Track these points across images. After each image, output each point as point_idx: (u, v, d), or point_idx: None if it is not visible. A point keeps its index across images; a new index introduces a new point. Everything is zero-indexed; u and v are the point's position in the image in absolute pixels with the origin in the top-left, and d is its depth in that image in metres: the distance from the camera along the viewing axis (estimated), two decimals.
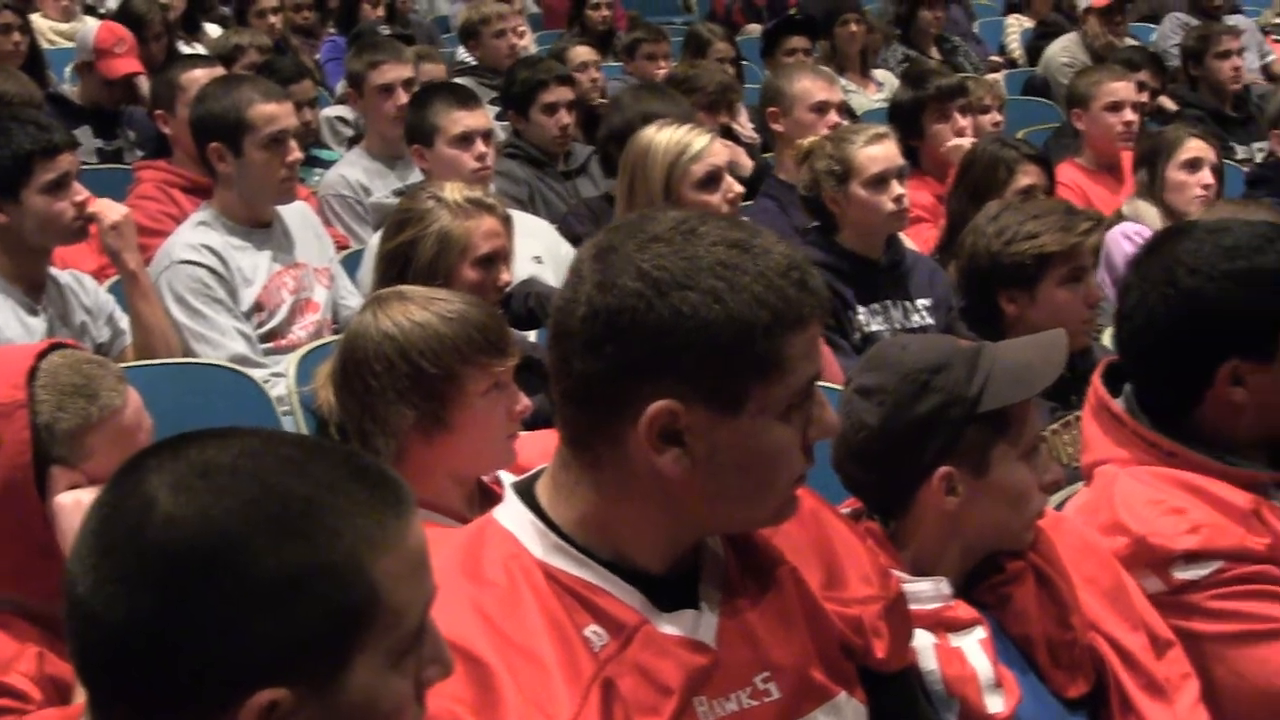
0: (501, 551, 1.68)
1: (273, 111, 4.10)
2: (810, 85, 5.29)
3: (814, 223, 4.21)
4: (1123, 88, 5.68)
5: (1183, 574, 2.21)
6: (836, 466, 2.21)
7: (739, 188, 4.07)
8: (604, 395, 1.62)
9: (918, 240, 4.77)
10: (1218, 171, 4.94)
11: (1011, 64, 9.35)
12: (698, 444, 1.62)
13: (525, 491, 1.74)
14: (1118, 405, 2.39)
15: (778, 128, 5.31)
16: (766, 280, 1.60)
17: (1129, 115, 5.61)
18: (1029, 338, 2.32)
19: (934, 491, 2.13)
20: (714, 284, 1.59)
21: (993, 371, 2.14)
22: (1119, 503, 2.28)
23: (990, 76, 7.72)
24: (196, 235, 4.11)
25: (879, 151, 4.11)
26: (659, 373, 1.59)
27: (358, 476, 1.31)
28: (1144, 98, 6.32)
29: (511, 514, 1.72)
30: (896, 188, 4.09)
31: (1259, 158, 5.93)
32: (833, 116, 5.19)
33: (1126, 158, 5.55)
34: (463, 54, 7.78)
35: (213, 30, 8.30)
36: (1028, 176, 4.43)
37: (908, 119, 5.48)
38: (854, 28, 7.68)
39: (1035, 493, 2.17)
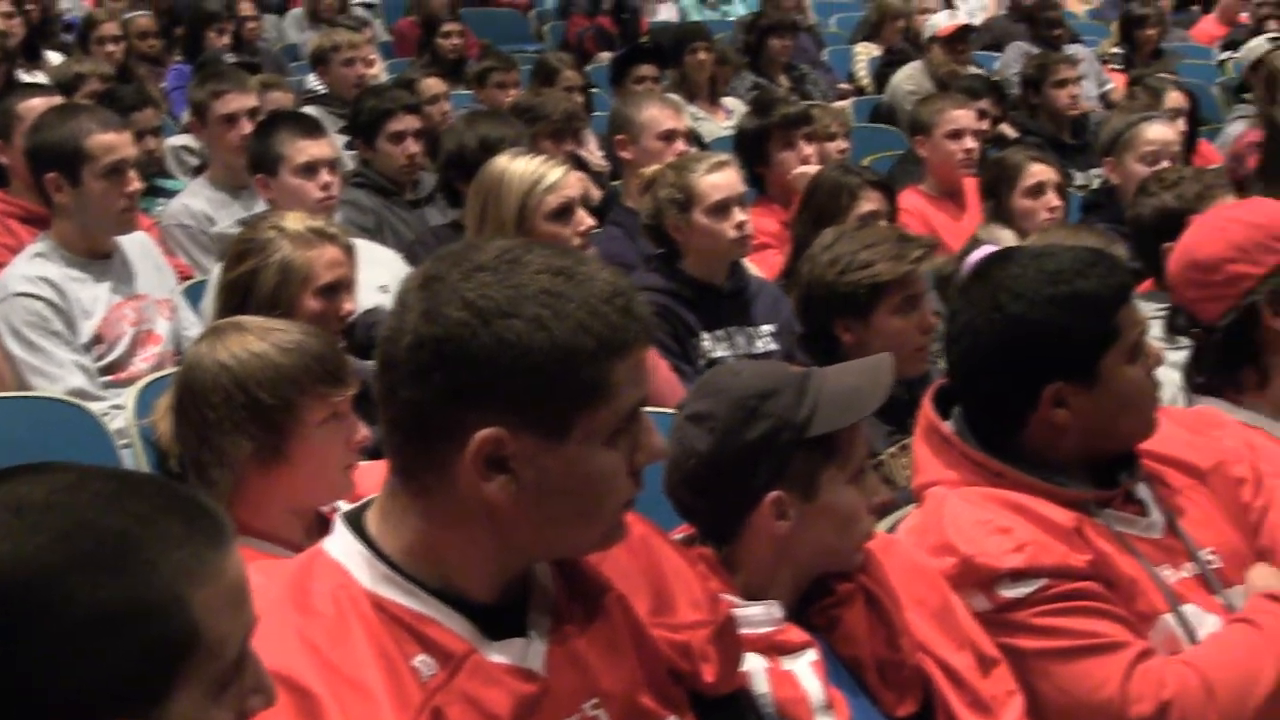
0: (329, 582, 1.68)
1: (111, 141, 4.05)
2: (657, 113, 5.34)
3: (658, 250, 4.25)
4: (963, 115, 5.78)
5: (1008, 592, 2.26)
6: (669, 492, 2.23)
7: (590, 220, 4.09)
8: (430, 424, 1.63)
9: (764, 266, 4.82)
10: (1062, 191, 5.05)
11: (860, 92, 9.48)
12: (524, 471, 1.63)
13: (355, 521, 1.73)
14: (947, 428, 2.44)
15: (625, 155, 5.35)
16: (591, 307, 1.62)
17: (969, 143, 5.71)
18: (856, 362, 2.36)
19: (764, 516, 2.15)
20: (538, 311, 1.60)
21: (821, 397, 2.17)
22: (948, 523, 2.33)
23: (837, 104, 7.84)
24: (33, 267, 4.05)
25: (720, 179, 4.16)
26: (485, 401, 1.60)
27: (174, 509, 1.31)
28: (985, 125, 6.45)
29: (340, 544, 1.72)
30: (738, 215, 4.13)
31: (1096, 184, 6.06)
32: (679, 144, 5.23)
33: (968, 184, 5.66)
34: (312, 82, 7.74)
35: (54, 58, 8.18)
36: (869, 203, 4.50)
37: (754, 146, 5.54)
38: (702, 56, 7.74)
39: (864, 515, 2.21)
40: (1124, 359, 2.35)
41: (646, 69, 7.19)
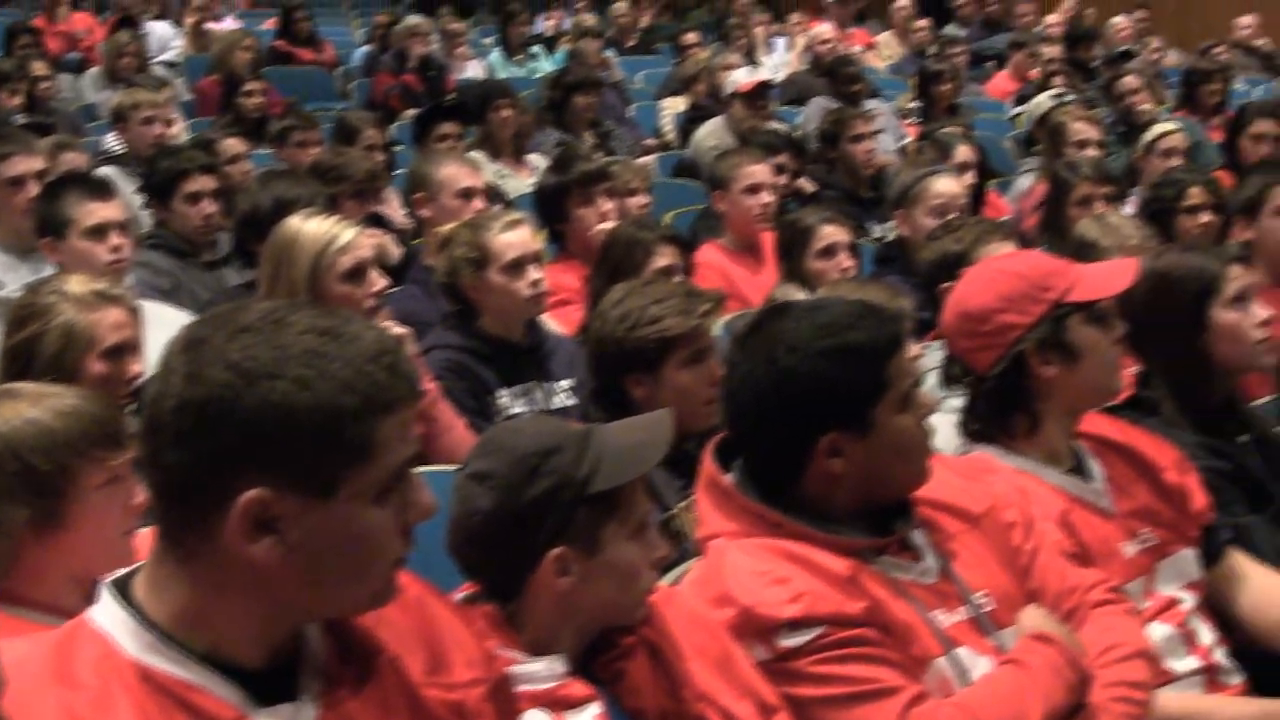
0: (93, 652, 1.66)
1: None
2: (455, 171, 5.35)
3: (455, 307, 4.26)
4: (760, 170, 5.88)
5: (787, 641, 2.30)
6: (452, 551, 2.24)
7: (384, 281, 4.09)
8: (196, 487, 1.62)
9: (564, 321, 4.85)
10: (854, 250, 5.14)
11: (665, 147, 9.58)
12: (291, 531, 1.63)
13: (122, 588, 1.72)
14: (727, 480, 2.48)
15: (425, 213, 5.35)
16: (356, 366, 1.63)
17: (766, 197, 5.80)
18: (636, 418, 2.39)
19: (547, 573, 2.17)
20: (302, 372, 1.61)
21: (602, 453, 2.20)
22: (728, 575, 2.36)
23: (640, 160, 7.91)
24: None
25: (515, 238, 4.19)
26: (249, 462, 1.60)
27: None
28: (782, 180, 6.56)
29: (106, 612, 1.70)
30: (533, 273, 4.17)
31: (892, 236, 6.19)
32: (478, 202, 5.25)
33: (766, 238, 5.74)
34: (110, 142, 7.62)
35: None
36: (665, 258, 4.55)
37: (553, 203, 5.57)
38: (506, 113, 7.77)
39: (645, 569, 2.24)
40: (896, 408, 2.41)
41: (449, 127, 7.19)
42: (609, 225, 5.36)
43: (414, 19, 11.54)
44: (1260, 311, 3.33)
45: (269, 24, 12.88)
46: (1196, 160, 7.80)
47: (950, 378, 2.95)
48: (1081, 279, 2.87)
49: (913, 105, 9.94)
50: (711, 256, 5.72)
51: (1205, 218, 5.27)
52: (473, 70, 11.23)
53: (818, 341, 2.39)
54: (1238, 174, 6.17)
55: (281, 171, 5.72)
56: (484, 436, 2.36)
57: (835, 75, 9.64)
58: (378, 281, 3.99)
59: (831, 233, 5.05)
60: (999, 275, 2.89)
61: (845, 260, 5.03)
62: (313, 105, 9.10)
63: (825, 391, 2.38)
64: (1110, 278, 2.91)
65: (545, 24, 14.04)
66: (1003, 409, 2.85)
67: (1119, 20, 13.17)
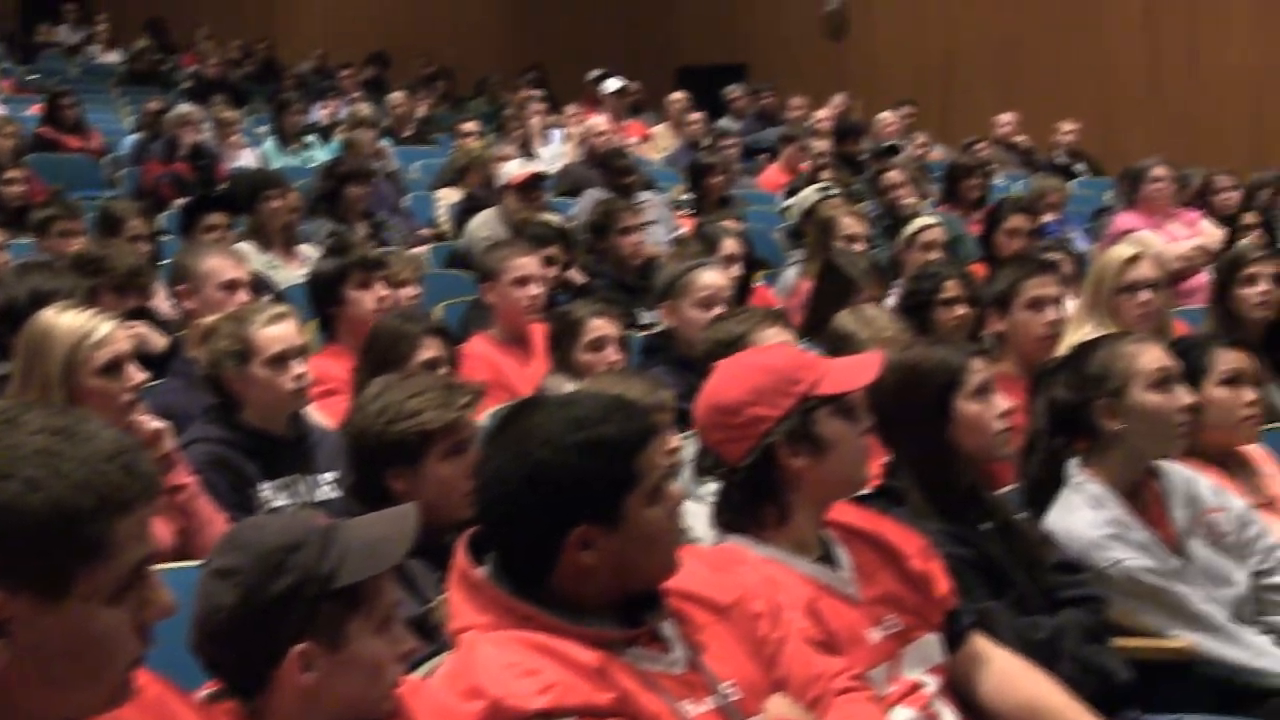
0: None
1: None
2: (219, 263, 5.31)
3: (217, 400, 4.21)
4: (529, 262, 5.92)
5: None
6: (195, 649, 2.21)
7: (141, 375, 4.02)
8: None
9: (331, 412, 4.82)
10: (623, 344, 5.20)
11: (440, 237, 9.59)
12: (23, 632, 1.61)
13: None
14: (479, 573, 2.49)
15: (189, 305, 5.29)
16: (91, 465, 1.62)
17: (535, 289, 5.85)
18: (381, 513, 2.39)
19: (291, 669, 2.16)
20: (34, 472, 1.60)
21: (347, 548, 2.20)
22: (478, 667, 2.37)
23: (413, 250, 7.92)
24: None
25: (279, 331, 4.17)
26: None
27: None
28: (553, 272, 6.62)
29: None
30: (297, 367, 4.15)
31: (659, 327, 6.26)
32: (242, 294, 5.21)
33: (536, 330, 5.77)
34: None
35: None
36: (429, 350, 4.55)
37: (327, 289, 5.53)
38: (276, 203, 7.73)
39: (391, 664, 2.24)
40: (646, 501, 2.45)
41: (217, 217, 7.13)
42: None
43: (185, 107, 11.43)
44: (1001, 403, 3.46)
45: (34, 110, 12.64)
46: (957, 254, 8.06)
47: (703, 469, 3.01)
48: (829, 373, 2.95)
49: (685, 197, 10.10)
50: (480, 348, 5.74)
51: (961, 310, 5.44)
52: (246, 159, 11.14)
53: (569, 435, 2.42)
54: (993, 267, 6.37)
55: (39, 263, 5.61)
56: (228, 533, 2.34)
57: (609, 167, 9.76)
58: (135, 376, 3.92)
59: (601, 325, 5.09)
60: (749, 369, 2.96)
61: (613, 353, 5.08)
62: (79, 194, 8.96)
63: (576, 485, 2.40)
64: (856, 372, 2.99)
65: (321, 113, 14.00)
66: (753, 500, 2.91)
67: (886, 116, 13.56)
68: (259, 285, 5.99)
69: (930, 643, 3.00)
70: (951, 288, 5.48)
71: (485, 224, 8.25)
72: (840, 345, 4.54)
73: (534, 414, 2.50)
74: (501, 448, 2.48)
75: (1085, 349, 3.78)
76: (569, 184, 10.46)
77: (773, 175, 11.89)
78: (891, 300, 6.09)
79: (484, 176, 9.86)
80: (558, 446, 2.42)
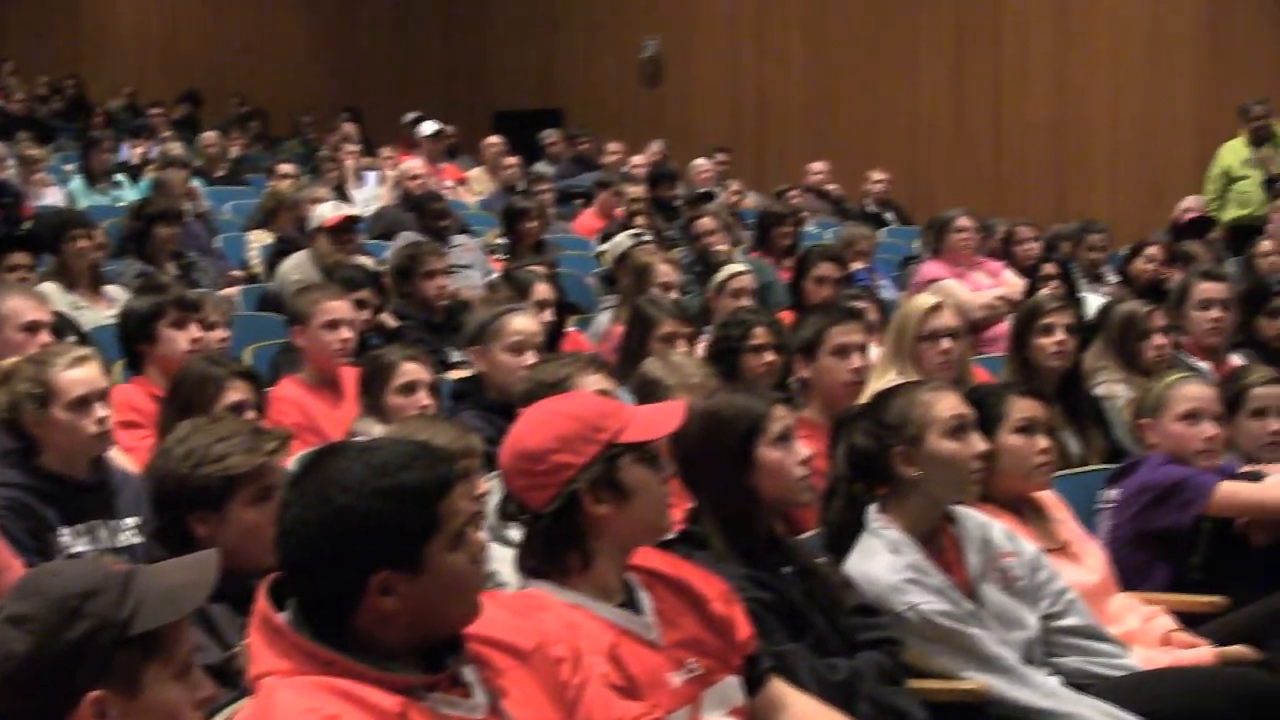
0: None
1: None
2: (20, 305, 5.22)
3: (15, 444, 4.14)
4: (340, 306, 5.90)
5: None
6: None
7: None
8: None
9: (136, 446, 4.77)
10: (434, 389, 5.19)
11: (252, 279, 9.50)
12: None
13: None
14: (280, 619, 2.48)
15: None
16: None
17: (346, 333, 5.82)
18: (182, 559, 2.39)
19: (85, 717, 2.14)
20: None
21: (145, 594, 2.19)
22: (277, 713, 2.36)
23: (223, 292, 7.83)
24: None
25: (82, 374, 4.12)
26: None
27: None
28: (364, 315, 6.59)
29: None
30: (100, 410, 4.10)
31: (469, 372, 6.27)
32: (44, 336, 5.12)
33: (347, 373, 5.74)
34: None
35: None
36: (236, 393, 4.51)
37: (142, 323, 5.45)
38: (83, 243, 7.59)
39: (189, 710, 2.23)
40: (448, 547, 2.46)
41: (20, 257, 7.00)
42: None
43: None
44: (802, 450, 3.53)
45: None
46: (768, 300, 8.19)
47: (507, 514, 3.03)
48: (633, 420, 2.99)
49: (500, 241, 10.12)
50: (290, 391, 5.70)
51: (769, 357, 5.51)
52: (52, 198, 10.94)
53: (370, 482, 2.42)
54: (802, 314, 6.48)
55: None
56: (21, 579, 2.32)
57: (424, 210, 9.76)
58: None
59: (413, 370, 5.09)
60: (554, 416, 2.99)
61: (425, 398, 5.07)
62: None
63: (377, 531, 2.41)
64: (659, 419, 3.04)
65: (131, 152, 13.80)
66: (556, 546, 2.93)
67: (701, 162, 13.72)
68: (63, 327, 5.88)
69: (730, 685, 3.05)
70: (760, 334, 5.55)
71: (297, 266, 8.19)
72: (648, 391, 4.59)
73: (335, 460, 2.50)
74: (303, 493, 2.48)
75: (883, 397, 3.88)
76: (384, 227, 10.43)
77: (588, 220, 11.97)
78: (701, 346, 6.17)
79: (296, 218, 9.79)
80: (359, 493, 2.42)
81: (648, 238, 8.71)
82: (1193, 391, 4.67)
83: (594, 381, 4.40)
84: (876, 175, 13.69)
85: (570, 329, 7.36)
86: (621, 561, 3.00)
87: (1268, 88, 12.83)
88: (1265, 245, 9.67)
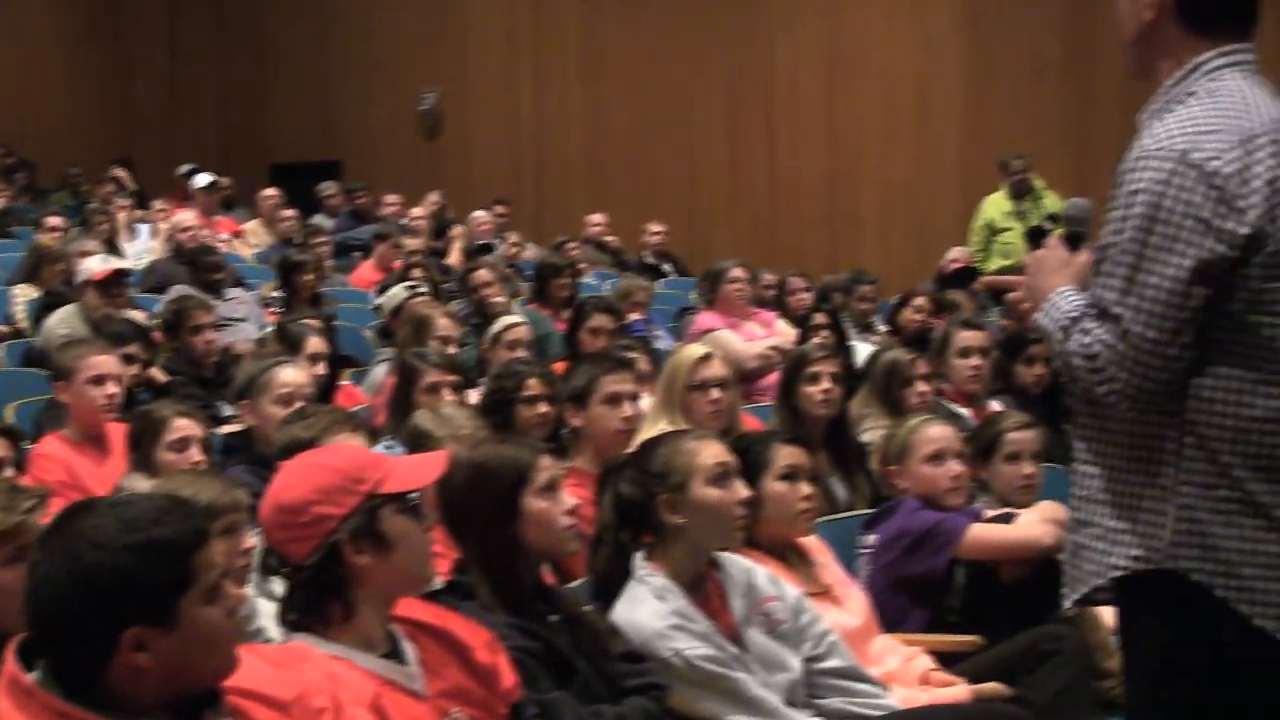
0: None
1: None
2: None
3: None
4: (104, 361, 5.80)
5: None
6: None
7: None
8: None
9: None
10: (205, 444, 5.12)
11: (18, 334, 9.27)
12: None
13: None
14: (29, 679, 2.44)
15: None
16: None
17: (111, 388, 5.73)
18: None
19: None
20: None
21: None
22: None
23: None
24: None
25: None
26: None
27: None
28: (132, 370, 6.49)
29: None
30: None
31: (239, 426, 6.20)
32: None
33: (114, 429, 5.65)
34: None
35: None
36: None
37: None
38: None
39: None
40: (202, 601, 2.45)
41: None
42: None
43: None
44: (568, 499, 3.57)
45: None
46: (545, 352, 8.23)
47: (268, 568, 3.02)
48: (393, 471, 3.00)
49: (276, 294, 10.03)
50: (53, 448, 5.59)
51: (543, 408, 5.55)
52: None
53: (121, 537, 2.40)
54: (576, 364, 6.52)
55: None
56: None
57: (196, 263, 9.64)
58: None
59: (184, 425, 5.02)
60: (313, 468, 2.99)
61: (196, 453, 5.01)
62: None
63: (128, 586, 2.39)
64: (421, 469, 3.06)
65: None
66: (318, 598, 2.93)
67: (479, 215, 13.75)
68: None
69: None
70: (533, 385, 5.59)
71: (63, 321, 8.02)
72: (418, 443, 4.59)
73: (86, 516, 2.47)
74: (52, 551, 2.45)
75: (649, 446, 3.94)
76: (156, 280, 10.27)
77: (366, 272, 11.90)
78: (475, 397, 6.19)
79: (64, 272, 9.59)
80: (109, 549, 2.40)
81: (424, 289, 8.71)
82: (935, 433, 4.81)
83: (348, 438, 4.39)
84: (654, 227, 13.86)
85: (346, 382, 7.34)
86: (384, 612, 3.00)
87: (1027, 143, 13.29)
88: (1020, 292, 9.99)
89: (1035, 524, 4.63)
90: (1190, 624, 2.79)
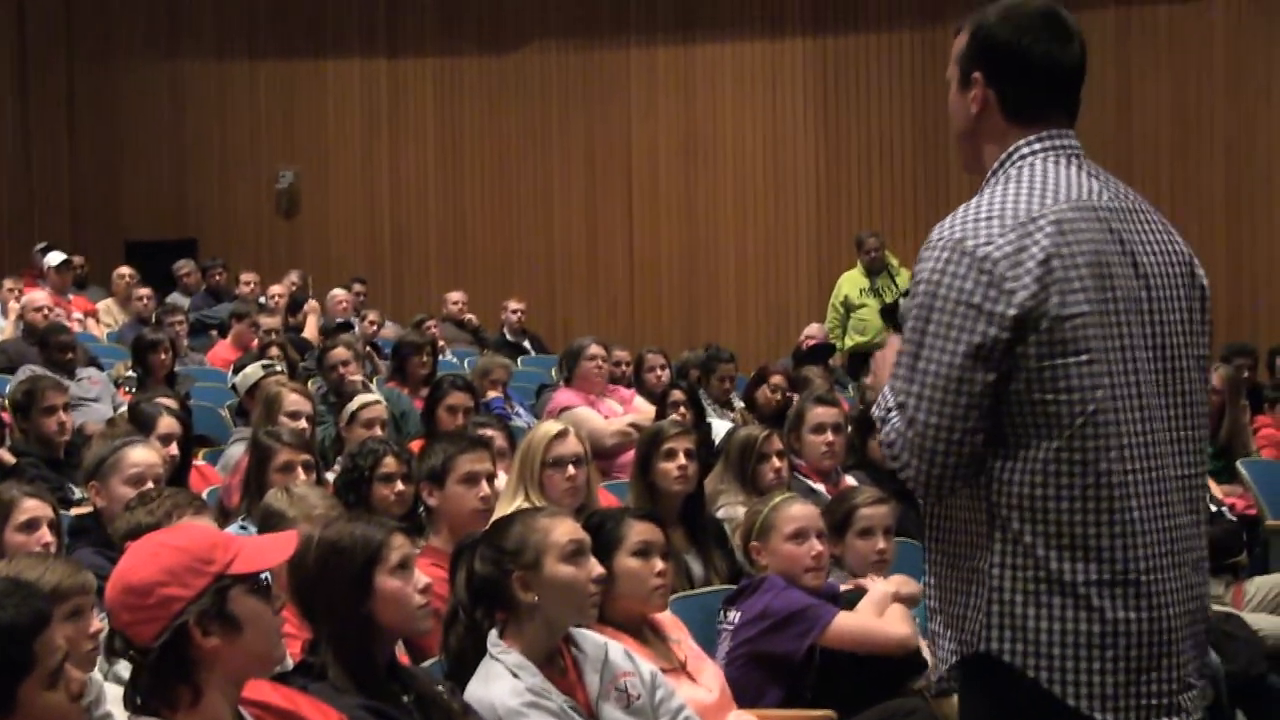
0: None
1: None
2: None
3: None
4: None
5: None
6: None
7: None
8: None
9: None
10: (55, 526, 5.02)
11: None
12: None
13: None
14: None
15: None
16: None
17: None
18: None
19: None
20: None
21: None
22: None
23: None
24: None
25: None
26: None
27: None
28: None
29: None
30: None
31: (88, 509, 6.11)
32: None
33: None
34: None
35: None
36: None
37: None
38: None
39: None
40: (44, 686, 2.42)
41: None
42: None
43: None
44: (422, 578, 3.56)
45: None
46: (404, 430, 8.21)
47: (113, 650, 2.98)
48: (243, 551, 2.98)
49: (130, 374, 9.90)
50: None
51: (400, 486, 5.52)
52: None
53: None
54: (433, 442, 6.50)
55: None
56: None
57: (48, 343, 9.51)
58: None
59: (33, 507, 4.89)
60: (161, 549, 2.96)
61: (46, 535, 4.91)
62: None
63: None
64: (271, 550, 3.04)
65: None
66: (165, 681, 2.89)
67: (338, 293, 13.70)
68: None
69: None
70: (389, 463, 5.56)
71: None
72: (270, 524, 4.55)
73: None
74: None
75: (502, 524, 3.95)
76: (6, 360, 10.11)
77: (223, 351, 11.81)
78: (332, 476, 6.14)
79: None
80: None
81: (279, 368, 8.64)
82: (797, 511, 4.86)
83: (193, 521, 4.34)
84: (513, 304, 13.89)
85: (201, 462, 7.26)
86: (233, 695, 2.97)
87: (879, 220, 13.55)
88: (870, 379, 10.13)
89: (899, 620, 4.67)
90: (1014, 705, 2.81)
